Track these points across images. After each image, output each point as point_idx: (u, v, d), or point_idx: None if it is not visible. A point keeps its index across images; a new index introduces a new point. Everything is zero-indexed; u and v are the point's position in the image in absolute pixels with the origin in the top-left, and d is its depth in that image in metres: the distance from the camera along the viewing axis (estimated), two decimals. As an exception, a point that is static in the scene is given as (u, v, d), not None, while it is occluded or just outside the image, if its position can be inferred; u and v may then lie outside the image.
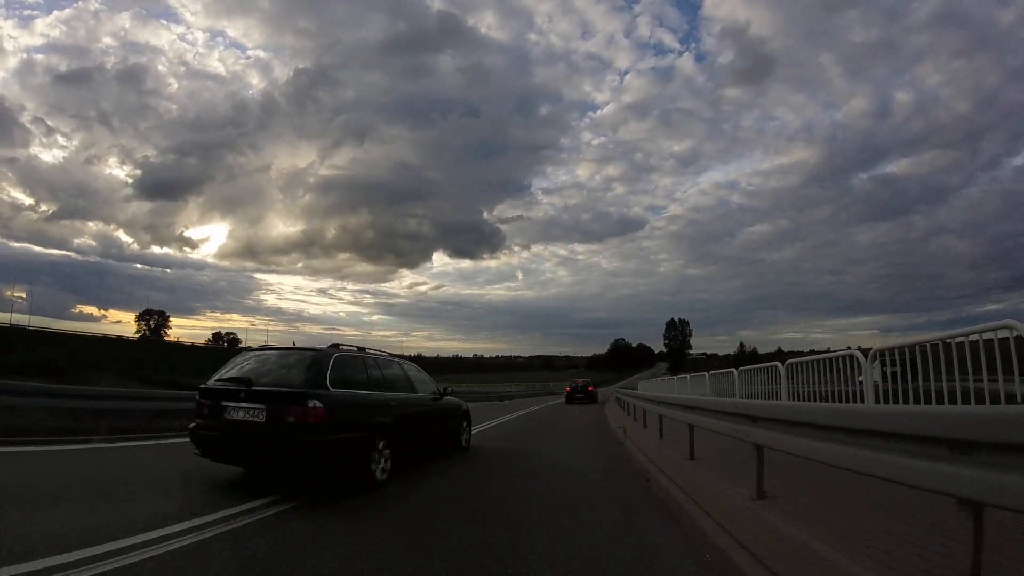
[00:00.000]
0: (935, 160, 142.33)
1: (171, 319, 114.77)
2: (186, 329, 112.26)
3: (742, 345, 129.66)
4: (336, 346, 5.84)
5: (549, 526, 4.04)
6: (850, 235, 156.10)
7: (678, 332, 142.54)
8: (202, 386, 5.31)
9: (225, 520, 3.86)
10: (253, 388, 4.89)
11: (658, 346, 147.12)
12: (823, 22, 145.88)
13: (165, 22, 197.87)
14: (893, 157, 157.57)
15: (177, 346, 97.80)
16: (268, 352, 5.75)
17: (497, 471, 6.77)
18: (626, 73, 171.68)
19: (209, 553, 3.22)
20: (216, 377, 5.36)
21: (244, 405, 4.83)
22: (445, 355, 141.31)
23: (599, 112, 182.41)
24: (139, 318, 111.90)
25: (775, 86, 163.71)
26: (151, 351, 78.34)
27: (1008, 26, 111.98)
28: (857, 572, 2.71)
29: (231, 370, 5.38)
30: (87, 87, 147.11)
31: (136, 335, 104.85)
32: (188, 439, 5.18)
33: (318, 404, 4.77)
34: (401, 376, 6.68)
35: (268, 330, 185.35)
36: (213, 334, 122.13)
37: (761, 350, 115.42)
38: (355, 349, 6.14)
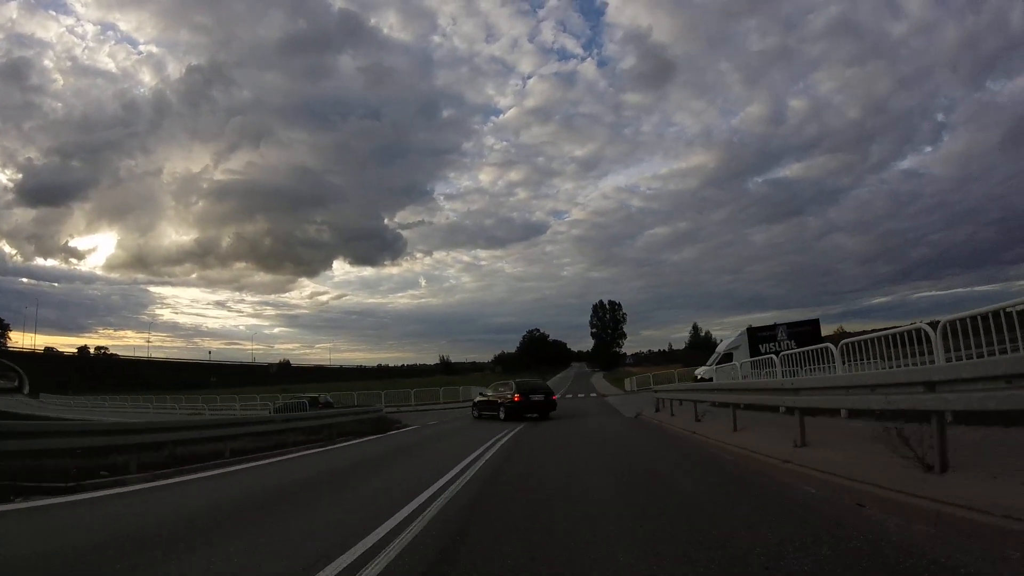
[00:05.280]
0: (827, 163, 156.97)
1: (11, 330, 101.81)
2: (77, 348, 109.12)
3: (696, 328, 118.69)
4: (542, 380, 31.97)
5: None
6: (747, 235, 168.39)
7: (608, 320, 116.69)
8: (519, 392, 18.99)
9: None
10: (537, 389, 20.03)
11: (574, 343, 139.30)
12: (723, 29, 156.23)
13: (54, 13, 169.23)
14: (787, 161, 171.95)
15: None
16: (525, 379, 26.10)
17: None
18: (529, 77, 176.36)
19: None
20: (519, 391, 19.03)
21: (537, 396, 19.22)
22: (349, 366, 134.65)
23: (502, 116, 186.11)
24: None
25: (675, 91, 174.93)
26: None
27: (900, 36, 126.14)
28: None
29: (522, 386, 19.88)
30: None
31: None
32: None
33: (553, 397, 20.10)
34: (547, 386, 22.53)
35: (164, 346, 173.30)
36: (79, 348, 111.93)
37: (675, 346, 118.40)
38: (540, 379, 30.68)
